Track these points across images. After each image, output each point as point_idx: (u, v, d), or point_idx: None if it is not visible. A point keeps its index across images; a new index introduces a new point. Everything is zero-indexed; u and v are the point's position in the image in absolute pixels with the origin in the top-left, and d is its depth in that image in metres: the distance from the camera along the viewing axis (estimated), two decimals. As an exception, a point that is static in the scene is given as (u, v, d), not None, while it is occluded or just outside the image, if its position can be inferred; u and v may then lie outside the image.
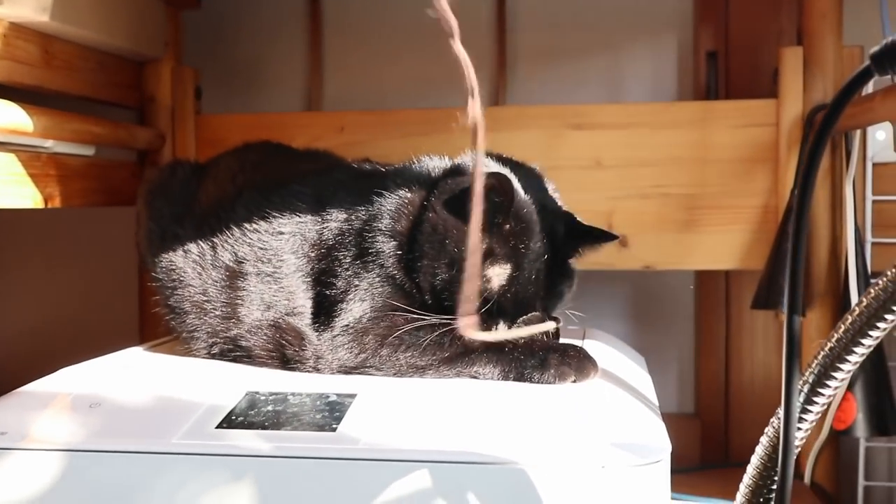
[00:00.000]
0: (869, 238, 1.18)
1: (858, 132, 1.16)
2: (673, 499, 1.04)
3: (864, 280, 1.14)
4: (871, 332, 0.48)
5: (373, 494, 0.67)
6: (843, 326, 0.50)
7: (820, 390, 0.51)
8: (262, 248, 0.89)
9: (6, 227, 1.54)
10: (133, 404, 0.80)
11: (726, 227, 1.21)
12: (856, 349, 0.49)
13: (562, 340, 0.87)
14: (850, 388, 1.13)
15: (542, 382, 0.79)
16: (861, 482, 1.19)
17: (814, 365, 0.51)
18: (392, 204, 0.86)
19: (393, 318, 0.83)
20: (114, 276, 1.46)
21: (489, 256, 0.81)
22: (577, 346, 0.82)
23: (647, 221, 1.22)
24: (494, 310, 0.82)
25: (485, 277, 0.81)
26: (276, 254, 0.89)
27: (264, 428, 0.72)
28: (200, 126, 1.31)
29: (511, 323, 0.84)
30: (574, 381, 0.80)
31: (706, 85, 1.38)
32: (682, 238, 1.21)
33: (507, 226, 0.81)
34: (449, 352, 0.82)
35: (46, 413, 0.77)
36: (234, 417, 0.74)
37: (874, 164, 1.18)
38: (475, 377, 0.81)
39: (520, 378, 0.80)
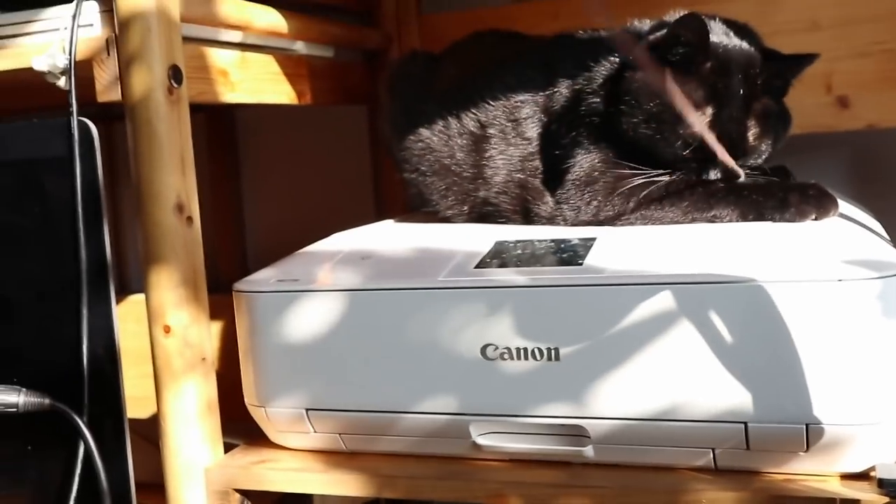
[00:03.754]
0: None
1: None
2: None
3: None
4: None
5: (619, 317, 0.75)
6: None
7: None
8: (503, 116, 0.97)
9: (252, 130, 1.71)
10: (398, 255, 0.91)
11: (955, 78, 1.18)
12: None
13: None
14: None
15: (782, 221, 0.83)
16: None
17: None
18: (603, 65, 0.92)
19: (620, 170, 0.89)
20: (350, 172, 1.60)
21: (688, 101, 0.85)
22: (815, 184, 0.85)
23: (868, 80, 1.20)
24: (705, 157, 0.86)
25: (686, 124, 0.85)
26: (516, 119, 0.97)
27: (517, 266, 0.81)
28: (423, 25, 1.41)
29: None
30: (815, 219, 0.83)
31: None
32: (907, 94, 1.19)
33: (707, 64, 0.85)
34: (687, 199, 0.86)
35: (327, 264, 0.90)
36: (488, 260, 0.84)
37: None
38: (712, 221, 0.86)
39: (759, 218, 0.84)
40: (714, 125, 0.86)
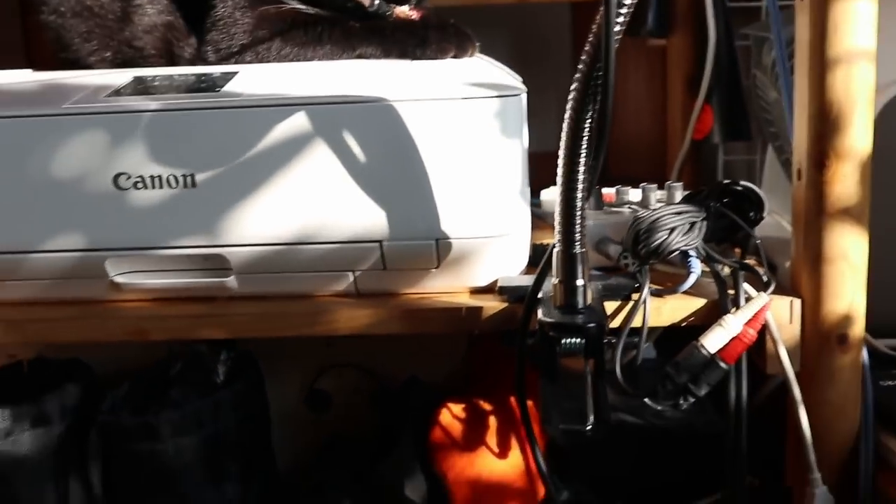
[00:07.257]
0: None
1: None
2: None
3: (722, 8, 1.21)
4: None
5: (254, 140, 0.74)
6: None
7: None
8: None
9: None
10: (27, 89, 0.84)
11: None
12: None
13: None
14: (707, 100, 1.23)
15: (424, 58, 0.85)
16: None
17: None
18: None
19: (263, 9, 0.87)
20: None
21: None
22: (454, 24, 0.88)
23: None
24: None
25: None
26: None
27: (151, 94, 0.78)
28: None
29: None
30: (455, 56, 0.86)
31: None
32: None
33: None
34: (328, 42, 0.86)
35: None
36: (122, 91, 0.79)
37: None
38: (359, 58, 0.86)
39: (402, 55, 0.85)
40: None
